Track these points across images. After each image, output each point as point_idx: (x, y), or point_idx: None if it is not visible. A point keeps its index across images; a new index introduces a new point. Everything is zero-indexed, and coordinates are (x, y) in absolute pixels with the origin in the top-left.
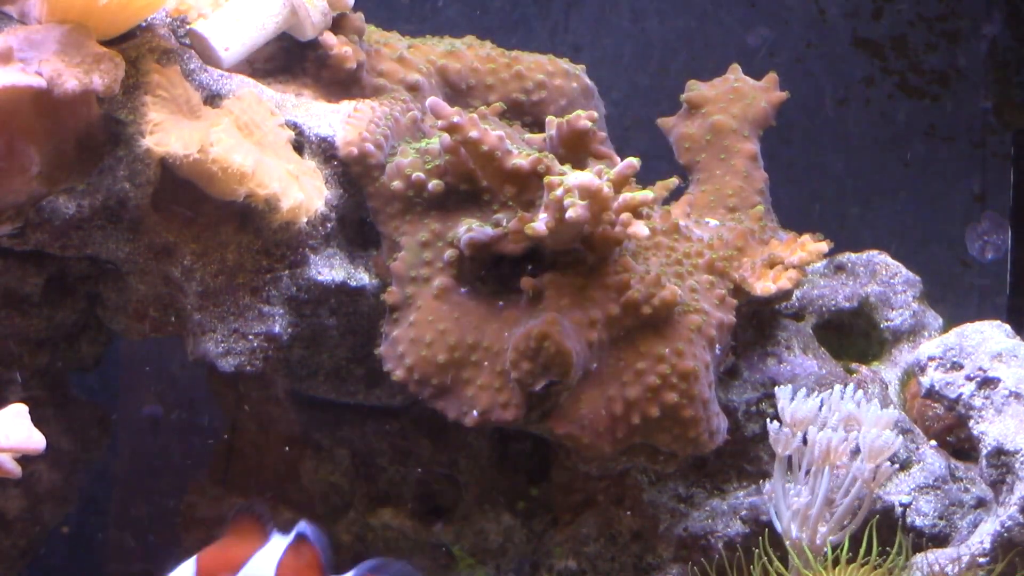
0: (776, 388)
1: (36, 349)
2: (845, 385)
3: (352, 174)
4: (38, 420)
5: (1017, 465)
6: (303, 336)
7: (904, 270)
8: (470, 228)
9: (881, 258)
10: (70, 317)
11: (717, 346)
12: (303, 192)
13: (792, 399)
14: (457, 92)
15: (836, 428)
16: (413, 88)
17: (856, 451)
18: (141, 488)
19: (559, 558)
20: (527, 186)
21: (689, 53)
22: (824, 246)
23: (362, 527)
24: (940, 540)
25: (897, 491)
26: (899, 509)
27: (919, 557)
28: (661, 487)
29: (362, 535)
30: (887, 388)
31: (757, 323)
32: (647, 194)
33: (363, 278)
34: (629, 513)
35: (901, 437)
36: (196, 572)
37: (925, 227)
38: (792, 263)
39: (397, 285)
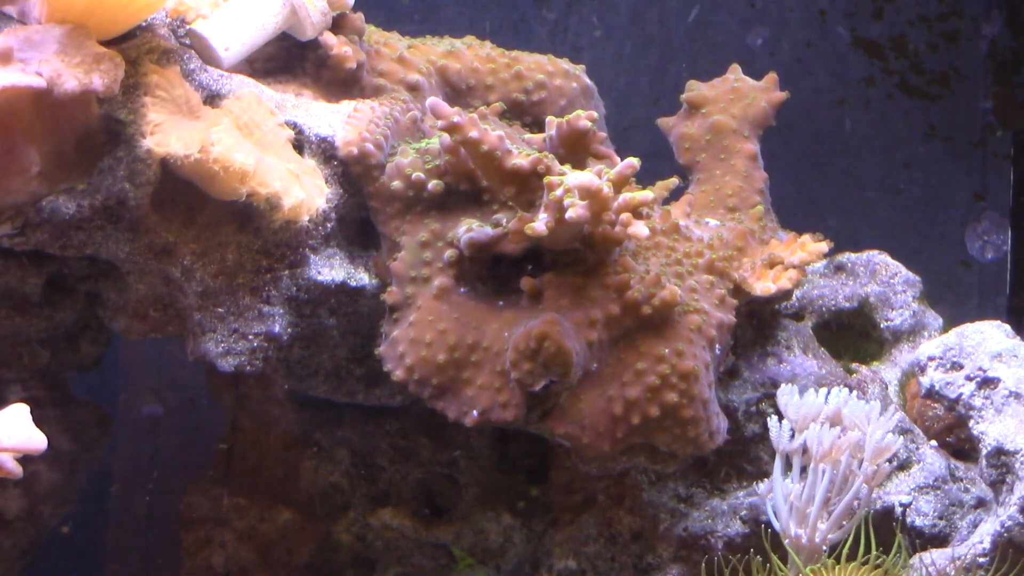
0: (779, 388)
1: (36, 349)
2: (848, 388)
3: (352, 174)
4: (38, 420)
5: (1017, 465)
6: (303, 336)
7: (904, 270)
8: (470, 228)
9: (881, 258)
10: (70, 317)
11: (717, 346)
12: (304, 191)
13: (794, 397)
14: (457, 92)
15: (833, 426)
16: (413, 88)
17: (854, 449)
18: (141, 488)
19: (559, 558)
20: (527, 186)
21: (689, 53)
22: (824, 246)
23: (362, 527)
24: (940, 540)
25: (897, 491)
26: (899, 509)
27: (918, 557)
28: (661, 487)
29: (362, 535)
30: (887, 388)
31: (757, 323)
32: (647, 194)
33: (363, 278)
34: (629, 513)
35: (901, 437)
36: None
37: (925, 227)
38: (792, 263)
39: (397, 285)
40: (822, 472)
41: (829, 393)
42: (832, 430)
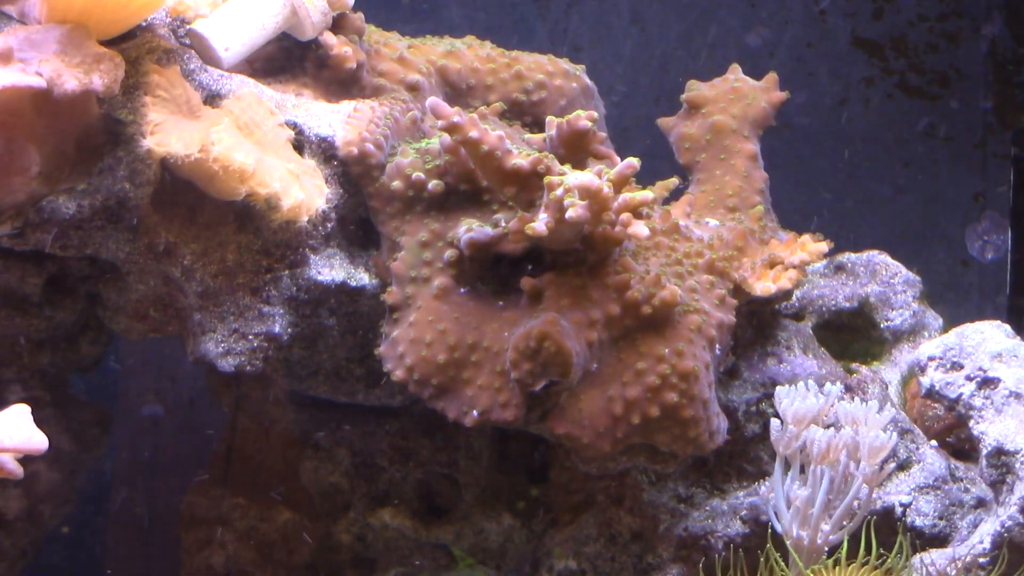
0: (777, 389)
1: (36, 349)
2: (847, 387)
3: (352, 174)
4: (38, 420)
5: (1017, 465)
6: (303, 336)
7: (904, 270)
8: (470, 228)
9: (881, 258)
10: (70, 317)
11: (717, 346)
12: (304, 191)
13: (791, 397)
14: (457, 92)
15: (834, 426)
16: (413, 88)
17: (854, 449)
18: (141, 488)
19: (559, 558)
20: (527, 186)
21: (689, 53)
22: (824, 246)
23: (362, 527)
24: (940, 540)
25: (897, 491)
26: (899, 509)
27: (919, 557)
28: (661, 487)
29: (362, 535)
30: (887, 388)
31: (757, 323)
32: (647, 194)
33: (363, 278)
34: (629, 513)
35: (898, 436)
36: None
37: (925, 227)
38: (792, 263)
39: (397, 285)
40: (821, 473)
41: (823, 391)
42: (829, 430)
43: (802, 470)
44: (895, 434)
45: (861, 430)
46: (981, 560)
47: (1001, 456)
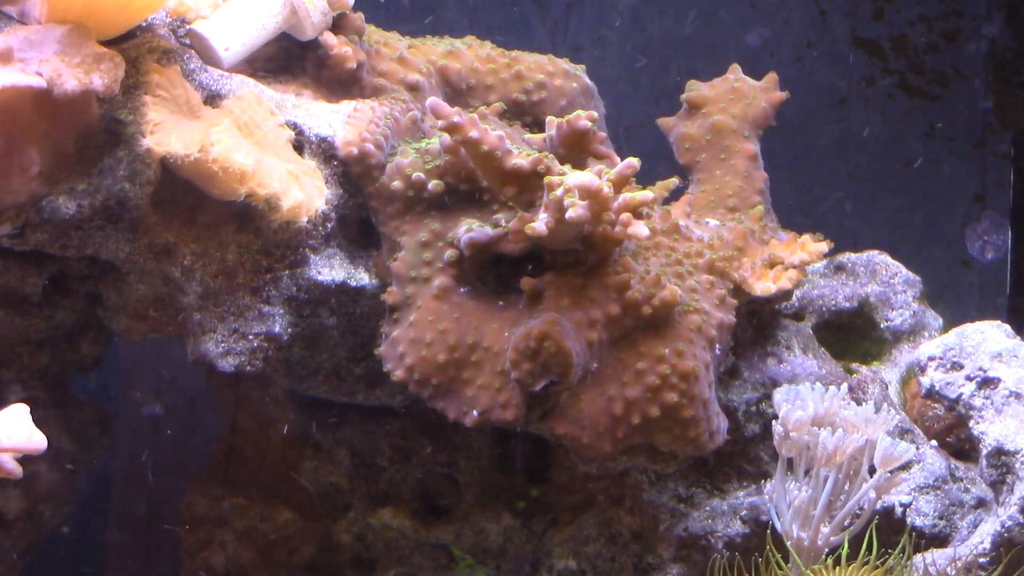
0: (775, 391)
1: (36, 349)
2: (848, 387)
3: (352, 174)
4: (38, 420)
5: (1017, 465)
6: (303, 336)
7: (904, 270)
8: (470, 228)
9: (881, 258)
10: (70, 317)
11: (717, 346)
12: (303, 192)
13: (790, 400)
14: (457, 92)
15: (837, 429)
16: (413, 88)
17: (858, 453)
18: (141, 488)
19: (559, 558)
20: (527, 186)
21: (689, 53)
22: (824, 246)
23: (362, 527)
24: (940, 540)
25: (897, 491)
26: (899, 509)
27: (920, 557)
28: (661, 487)
29: (362, 535)
30: (887, 388)
31: (757, 323)
32: (647, 194)
33: (363, 278)
34: (629, 513)
35: (913, 446)
36: None
37: (925, 227)
38: (792, 263)
39: (397, 285)
40: (826, 476)
41: (825, 393)
42: (836, 434)
43: (805, 472)
44: (912, 446)
45: (880, 438)
46: (981, 560)
47: (1001, 456)
